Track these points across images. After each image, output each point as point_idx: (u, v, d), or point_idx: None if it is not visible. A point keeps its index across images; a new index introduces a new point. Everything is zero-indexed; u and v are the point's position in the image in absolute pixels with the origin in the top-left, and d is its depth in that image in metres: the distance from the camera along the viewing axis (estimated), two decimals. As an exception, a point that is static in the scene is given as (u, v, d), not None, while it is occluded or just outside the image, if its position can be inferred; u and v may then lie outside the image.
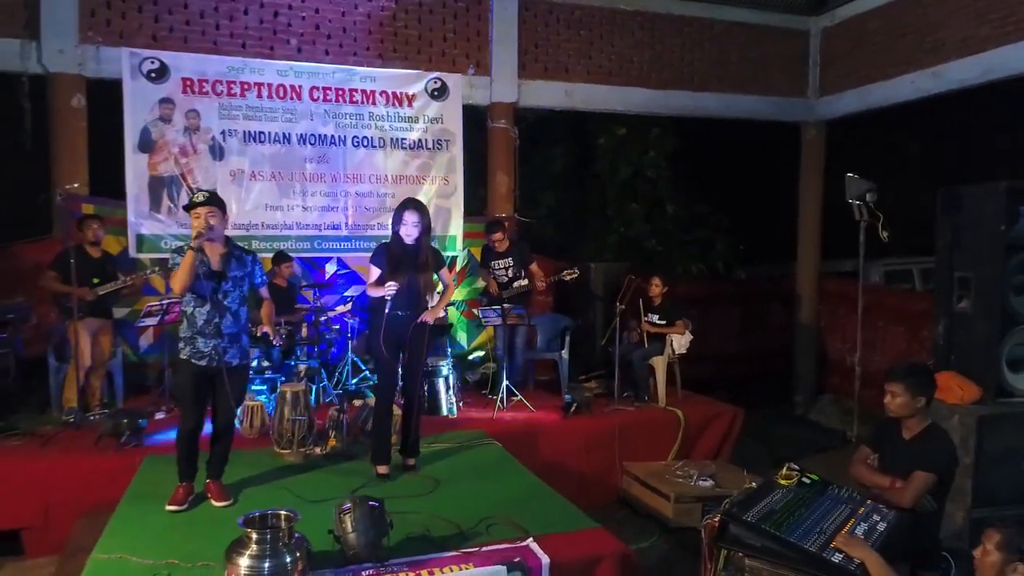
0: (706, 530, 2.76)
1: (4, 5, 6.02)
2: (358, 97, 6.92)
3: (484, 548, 3.21)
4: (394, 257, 4.13)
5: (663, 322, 6.25)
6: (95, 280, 5.46)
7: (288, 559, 2.81)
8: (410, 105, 7.08)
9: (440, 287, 4.71)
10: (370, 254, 4.36)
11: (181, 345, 3.72)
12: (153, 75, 6.34)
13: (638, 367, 6.13)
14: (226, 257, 3.72)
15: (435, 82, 7.13)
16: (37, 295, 5.63)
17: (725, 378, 8.58)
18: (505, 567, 3.01)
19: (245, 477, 4.16)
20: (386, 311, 4.03)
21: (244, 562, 2.75)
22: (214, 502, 3.78)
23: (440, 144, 7.21)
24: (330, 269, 7.02)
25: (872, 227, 4.28)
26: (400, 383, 4.34)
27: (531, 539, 3.28)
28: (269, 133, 6.69)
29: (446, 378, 5.74)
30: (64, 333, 5.53)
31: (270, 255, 6.46)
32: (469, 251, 7.38)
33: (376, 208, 7.00)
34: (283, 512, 2.96)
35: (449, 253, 7.31)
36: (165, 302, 5.45)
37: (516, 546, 3.23)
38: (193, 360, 3.67)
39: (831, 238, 8.64)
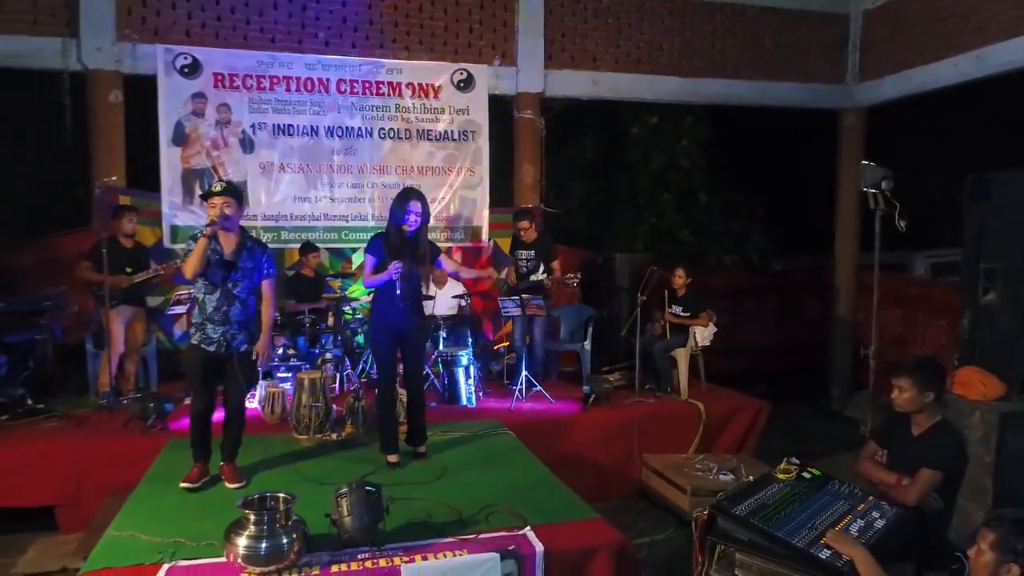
0: (697, 523, 2.73)
1: (46, 5, 6.26)
2: (384, 89, 6.99)
3: (481, 535, 3.23)
4: (393, 248, 4.13)
5: (686, 314, 6.17)
6: (128, 269, 5.66)
7: (284, 540, 2.89)
8: (436, 96, 7.12)
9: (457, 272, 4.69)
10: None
11: (191, 331, 3.85)
12: (186, 70, 6.52)
13: (659, 359, 6.07)
14: (239, 247, 3.81)
15: (461, 73, 7.15)
16: (76, 284, 5.85)
17: (759, 371, 8.43)
18: (499, 555, 3.03)
19: (261, 460, 4.28)
20: (396, 293, 4.03)
21: (242, 542, 2.84)
22: (227, 484, 3.90)
23: (466, 135, 7.24)
24: (356, 259, 7.12)
25: (890, 217, 4.13)
26: (400, 374, 4.38)
27: (528, 528, 3.29)
28: (297, 126, 6.82)
29: (466, 368, 5.78)
30: (100, 320, 5.75)
31: (297, 246, 6.61)
32: (494, 242, 7.39)
33: (402, 199, 7.06)
34: (281, 495, 3.05)
35: (475, 244, 7.37)
36: (193, 291, 5.61)
37: (513, 534, 3.24)
38: (203, 345, 3.78)
39: (871, 229, 8.37)
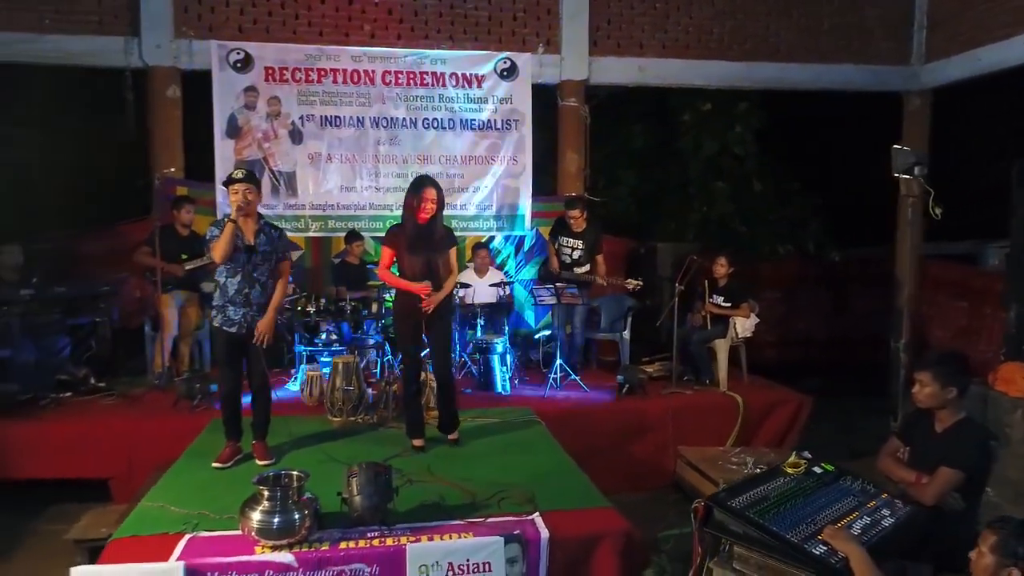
0: (695, 514, 2.70)
1: (110, 6, 6.61)
2: (428, 79, 7.08)
3: (489, 519, 3.28)
4: (409, 238, 4.18)
5: (728, 304, 6.04)
6: (183, 256, 5.94)
7: (296, 516, 3.01)
8: (479, 86, 7.17)
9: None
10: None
11: (213, 313, 4.00)
12: (239, 65, 6.77)
13: (697, 350, 5.97)
14: (258, 232, 3.96)
15: (504, 62, 7.17)
16: (136, 270, 6.19)
17: (813, 364, 8.19)
18: (503, 539, 3.07)
19: (293, 440, 4.46)
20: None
21: (256, 516, 2.97)
22: (258, 461, 4.07)
23: (509, 124, 7.26)
24: (401, 248, 7.24)
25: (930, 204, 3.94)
26: (429, 363, 4.44)
27: (537, 514, 3.32)
28: (344, 117, 6.99)
29: (501, 355, 5.83)
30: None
31: (344, 234, 6.79)
32: (537, 231, 7.40)
33: (446, 189, 6.95)
34: (295, 473, 3.17)
35: (517, 233, 7.40)
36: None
37: (520, 519, 3.28)
38: (224, 328, 3.94)
39: (935, 218, 7.97)
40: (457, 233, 7.15)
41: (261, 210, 6.77)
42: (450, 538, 3.10)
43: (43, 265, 6.00)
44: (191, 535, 3.11)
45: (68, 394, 5.49)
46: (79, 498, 4.81)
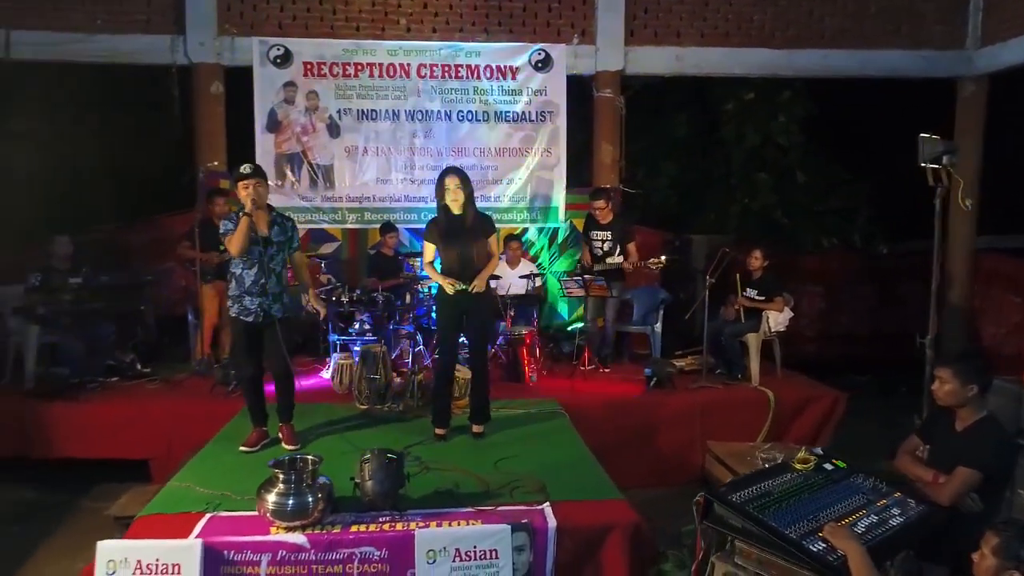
0: (696, 508, 2.68)
1: (158, 6, 6.85)
2: (463, 72, 7.12)
3: (500, 508, 3.32)
4: (442, 229, 4.25)
5: (761, 297, 5.92)
6: (221, 248, 6.13)
7: (310, 498, 3.11)
8: (514, 78, 7.17)
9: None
10: None
11: (230, 304, 4.12)
12: (278, 61, 6.94)
13: (728, 344, 5.88)
14: (271, 223, 4.06)
15: (539, 54, 7.16)
16: (179, 261, 6.42)
17: (857, 360, 7.97)
18: (510, 527, 3.10)
19: (320, 426, 4.59)
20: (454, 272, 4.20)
21: (271, 498, 3.08)
22: (284, 445, 4.20)
23: (543, 116, 7.24)
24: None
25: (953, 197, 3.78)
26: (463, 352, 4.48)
27: (547, 504, 3.34)
28: (380, 110, 7.09)
29: (530, 346, 5.85)
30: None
31: (379, 226, 6.90)
32: (571, 222, 7.39)
33: (479, 181, 7.14)
34: (310, 457, 3.27)
35: (551, 225, 7.39)
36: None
37: (530, 509, 3.30)
38: (241, 317, 4.06)
39: (991, 210, 7.64)
40: (490, 225, 7.25)
41: (300, 203, 7.08)
42: (459, 524, 3.14)
43: (92, 255, 6.28)
44: (212, 515, 3.24)
45: (115, 379, 5.74)
46: (121, 478, 5.04)
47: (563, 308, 7.48)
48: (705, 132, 9.46)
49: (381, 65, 7.04)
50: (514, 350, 5.84)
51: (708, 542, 2.72)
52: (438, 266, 4.43)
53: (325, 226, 7.21)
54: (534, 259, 7.41)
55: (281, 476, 3.11)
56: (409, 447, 4.17)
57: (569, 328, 7.08)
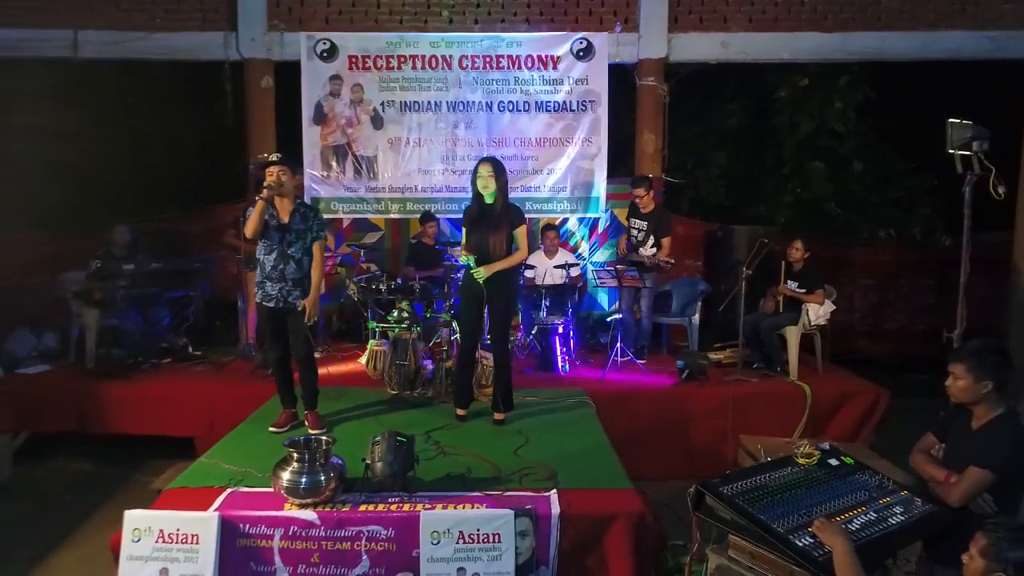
0: (690, 498, 2.66)
1: (212, 4, 7.14)
2: (504, 63, 7.15)
3: (507, 493, 3.36)
4: (473, 216, 4.33)
5: (802, 290, 5.76)
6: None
7: (322, 477, 3.22)
8: (555, 67, 7.16)
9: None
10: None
11: (255, 290, 4.28)
12: (324, 55, 7.12)
13: (767, 337, 5.75)
14: (292, 212, 4.18)
15: (580, 43, 7.11)
16: (227, 249, 6.70)
17: (911, 357, 7.65)
18: (513, 512, 3.14)
19: (349, 408, 4.74)
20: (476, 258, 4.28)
21: (285, 476, 3.21)
22: (310, 430, 4.33)
23: (584, 105, 7.20)
24: (475, 229, 7.41)
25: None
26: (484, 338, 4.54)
27: (554, 491, 3.37)
28: (422, 102, 7.19)
29: (562, 336, 5.87)
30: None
31: (419, 215, 7.03)
32: (612, 212, 7.34)
33: (519, 171, 7.22)
34: (324, 438, 3.39)
35: (591, 215, 7.36)
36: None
37: (537, 495, 3.33)
38: (264, 303, 4.21)
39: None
40: (531, 215, 7.28)
41: (345, 193, 7.26)
42: (464, 508, 3.21)
43: (151, 243, 6.62)
44: (232, 490, 3.40)
45: (167, 360, 6.06)
46: (171, 455, 5.33)
47: (603, 298, 7.45)
48: (757, 120, 9.21)
49: (423, 57, 7.14)
50: (546, 340, 5.86)
51: (704, 534, 2.69)
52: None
53: (368, 216, 7.39)
54: (574, 249, 7.41)
55: (295, 455, 3.23)
56: (430, 431, 4.27)
57: (608, 319, 7.04)
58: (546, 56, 7.14)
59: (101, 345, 5.95)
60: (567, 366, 5.81)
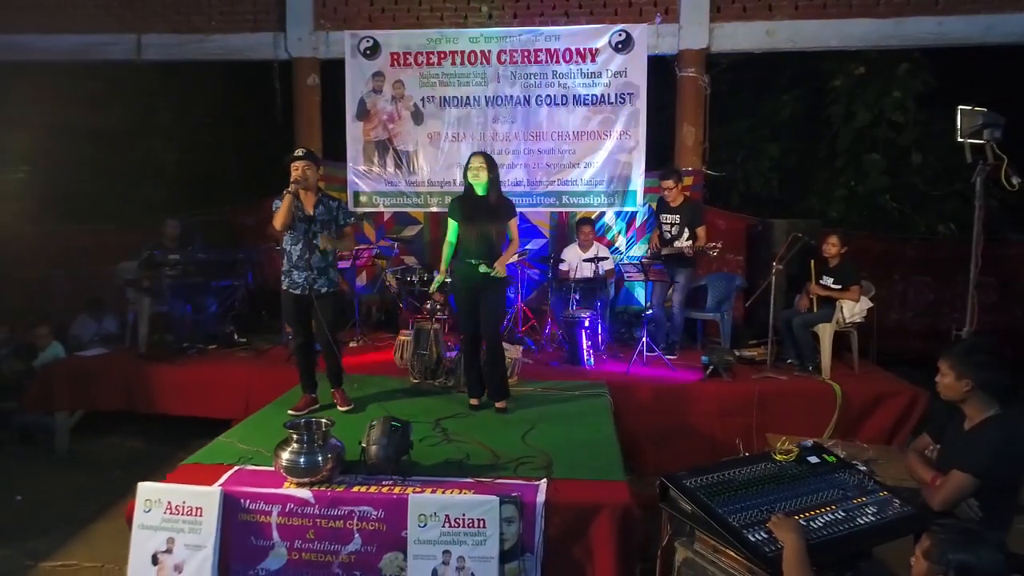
0: (658, 490, 2.65)
1: (263, 6, 7.45)
2: (542, 56, 7.16)
3: (498, 480, 3.42)
4: (465, 208, 4.40)
5: (838, 286, 5.57)
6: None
7: (320, 458, 3.37)
8: (593, 60, 7.12)
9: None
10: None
11: (282, 277, 4.46)
12: (368, 52, 7.32)
13: (799, 334, 5.58)
14: (316, 203, 4.37)
15: (619, 35, 7.05)
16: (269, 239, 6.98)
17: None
18: (499, 499, 3.20)
19: (369, 395, 4.89)
20: (471, 251, 4.38)
21: (285, 456, 3.37)
22: (339, 407, 4.56)
23: (623, 98, 7.14)
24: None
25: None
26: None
27: (544, 480, 3.40)
28: (461, 97, 7.29)
29: (588, 329, 5.86)
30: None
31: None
32: (649, 206, 7.25)
33: (557, 165, 7.23)
34: (323, 420, 3.53)
35: (628, 209, 7.30)
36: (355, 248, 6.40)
37: (527, 483, 3.38)
38: (290, 290, 4.40)
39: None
40: (568, 209, 7.30)
41: (386, 188, 7.45)
42: (452, 493, 3.28)
43: (204, 235, 6.98)
44: (239, 467, 3.59)
45: (213, 346, 6.38)
46: (214, 435, 5.60)
47: (640, 293, 7.37)
48: (812, 111, 8.89)
49: (463, 53, 7.23)
50: (573, 333, 5.86)
51: (674, 526, 2.68)
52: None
53: (409, 210, 7.56)
54: (611, 243, 7.37)
55: (295, 437, 3.39)
56: (441, 419, 4.37)
57: (644, 314, 6.97)
58: (584, 49, 7.12)
59: (153, 331, 6.33)
60: (592, 360, 5.80)
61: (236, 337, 6.62)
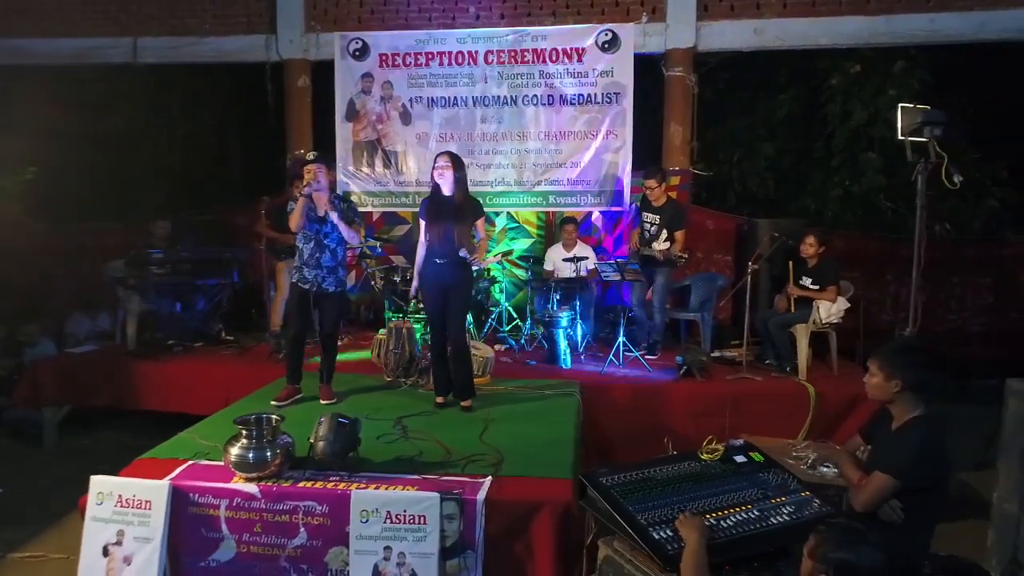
0: (578, 488, 2.65)
1: (255, 8, 7.55)
2: (529, 56, 7.17)
3: (443, 478, 3.44)
4: (432, 207, 4.43)
5: (815, 286, 5.51)
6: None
7: (268, 453, 3.41)
8: (580, 60, 7.11)
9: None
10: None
11: (293, 272, 4.67)
12: (357, 54, 7.38)
13: (776, 334, 5.53)
14: (328, 205, 4.52)
15: (605, 34, 7.04)
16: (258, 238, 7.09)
17: (965, 361, 7.12)
18: (439, 496, 3.22)
19: (344, 391, 4.92)
20: (435, 250, 4.41)
21: (234, 451, 3.41)
22: (322, 401, 4.67)
23: (609, 98, 7.13)
24: (500, 223, 7.51)
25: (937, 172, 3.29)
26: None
27: (489, 477, 3.41)
28: (449, 98, 7.33)
29: (565, 329, 5.86)
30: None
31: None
32: (637, 206, 7.21)
33: (544, 165, 7.24)
34: (274, 416, 3.58)
35: (615, 208, 7.28)
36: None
37: (471, 481, 3.39)
38: (300, 284, 4.58)
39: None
40: (555, 209, 7.31)
41: (375, 187, 7.52)
42: (395, 489, 3.31)
43: (195, 235, 7.10)
44: (193, 462, 3.64)
45: (200, 344, 6.49)
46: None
47: (627, 293, 7.33)
48: (808, 110, 8.80)
49: (450, 53, 7.27)
50: (550, 333, 5.87)
51: (598, 524, 2.68)
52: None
53: (398, 210, 7.62)
54: (597, 243, 7.35)
55: (244, 432, 3.43)
56: (404, 416, 4.40)
57: (622, 314, 6.95)
58: (571, 49, 7.12)
59: (143, 329, 6.45)
60: (569, 359, 5.80)
61: (224, 335, 6.72)
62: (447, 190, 4.39)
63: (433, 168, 4.42)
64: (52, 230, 8.09)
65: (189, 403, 5.73)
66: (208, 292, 6.61)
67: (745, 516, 2.37)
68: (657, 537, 2.23)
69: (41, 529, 4.52)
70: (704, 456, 2.73)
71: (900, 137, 3.28)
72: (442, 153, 4.47)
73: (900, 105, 3.28)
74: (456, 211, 4.40)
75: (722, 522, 2.32)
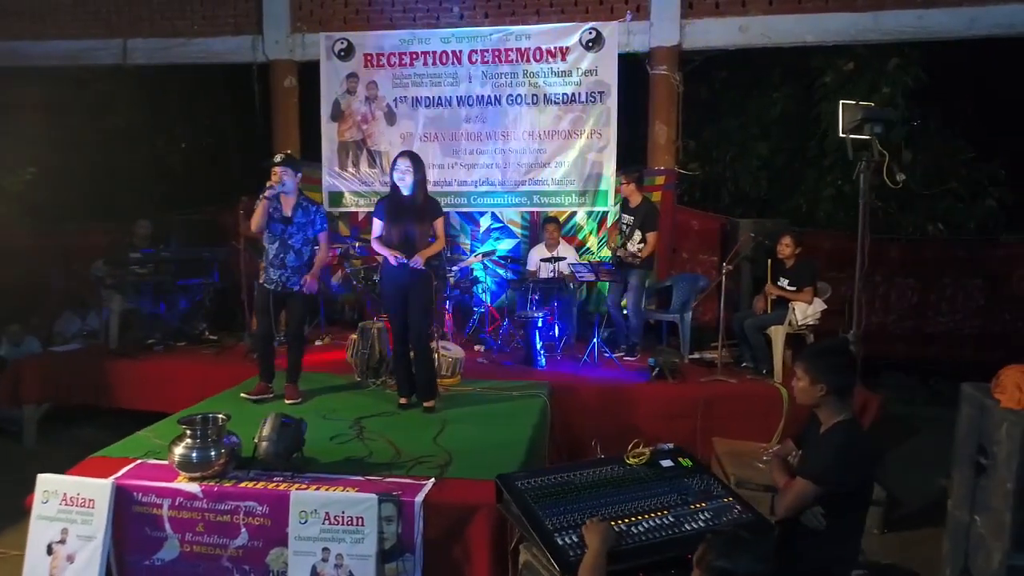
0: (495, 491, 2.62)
1: (243, 9, 7.58)
2: (513, 56, 7.14)
3: (386, 479, 3.42)
4: (391, 208, 4.40)
5: (792, 288, 5.42)
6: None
7: (213, 453, 3.41)
8: (564, 59, 7.07)
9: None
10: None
11: (259, 272, 4.72)
12: (342, 54, 7.39)
13: (752, 336, 5.45)
14: (295, 206, 4.56)
15: (589, 33, 6.99)
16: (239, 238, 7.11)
17: (959, 363, 6.97)
18: (378, 497, 3.20)
19: (311, 390, 4.92)
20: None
21: (178, 451, 3.42)
22: (287, 400, 4.69)
23: (593, 97, 7.07)
24: (484, 223, 7.48)
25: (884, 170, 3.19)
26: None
27: (431, 480, 3.39)
28: (433, 97, 7.32)
29: (543, 329, 5.82)
30: (259, 270, 6.92)
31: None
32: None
33: (529, 164, 7.21)
34: (220, 416, 3.57)
35: (600, 208, 7.22)
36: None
37: (413, 482, 3.37)
38: (265, 284, 4.63)
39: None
40: (539, 209, 7.26)
41: (361, 187, 7.52)
42: (335, 490, 3.29)
43: (170, 235, 7.14)
44: (140, 461, 3.65)
45: (182, 343, 6.52)
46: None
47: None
48: (803, 109, 8.67)
49: (435, 53, 7.26)
50: (525, 333, 5.83)
51: (521, 529, 2.64)
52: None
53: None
54: (582, 243, 7.30)
55: (188, 432, 3.43)
56: (364, 416, 4.39)
57: (598, 314, 6.90)
58: (555, 48, 7.07)
59: (127, 328, 6.49)
60: (544, 360, 5.75)
61: (207, 334, 6.75)
62: (407, 191, 4.36)
63: (393, 169, 4.39)
64: (44, 230, 8.18)
65: (164, 401, 5.73)
66: (189, 292, 6.65)
67: (659, 522, 2.31)
68: (561, 543, 2.18)
69: (7, 527, 4.55)
70: (630, 460, 2.68)
71: (840, 135, 3.19)
72: (402, 154, 4.43)
73: (841, 102, 3.20)
74: (417, 212, 4.38)
75: (633, 528, 2.27)
